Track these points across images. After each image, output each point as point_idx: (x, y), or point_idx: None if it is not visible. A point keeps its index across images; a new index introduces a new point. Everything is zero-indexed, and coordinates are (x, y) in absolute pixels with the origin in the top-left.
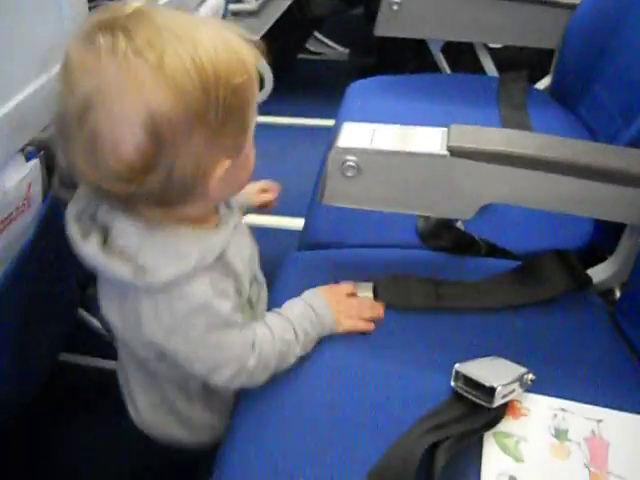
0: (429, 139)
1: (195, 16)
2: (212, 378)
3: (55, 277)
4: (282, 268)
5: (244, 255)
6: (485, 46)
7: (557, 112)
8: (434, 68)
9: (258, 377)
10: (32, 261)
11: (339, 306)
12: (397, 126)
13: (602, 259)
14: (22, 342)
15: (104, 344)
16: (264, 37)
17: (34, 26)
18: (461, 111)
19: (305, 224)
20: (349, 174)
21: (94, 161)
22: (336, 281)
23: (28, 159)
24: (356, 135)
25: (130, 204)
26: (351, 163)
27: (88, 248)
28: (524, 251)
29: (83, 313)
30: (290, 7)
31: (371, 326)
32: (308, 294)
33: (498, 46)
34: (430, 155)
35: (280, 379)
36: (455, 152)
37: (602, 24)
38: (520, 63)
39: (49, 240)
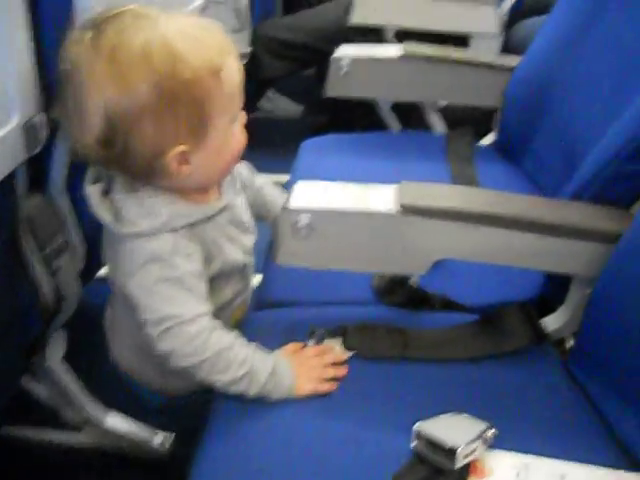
0: (381, 197)
1: (179, 13)
2: (154, 331)
3: None
4: (240, 330)
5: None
6: (433, 105)
7: (503, 167)
8: (385, 126)
9: (187, 354)
10: None
11: (301, 369)
12: (349, 184)
13: (552, 309)
14: None
15: (49, 414)
16: None
17: None
18: (412, 167)
19: (261, 282)
20: (302, 234)
21: (75, 124)
22: (296, 341)
23: None
24: (308, 194)
25: (107, 168)
26: (304, 223)
27: (91, 190)
28: (478, 304)
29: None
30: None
31: (333, 387)
32: (274, 354)
33: (444, 104)
34: (382, 214)
35: (238, 444)
36: (407, 210)
37: (538, 84)
38: (466, 120)
39: None
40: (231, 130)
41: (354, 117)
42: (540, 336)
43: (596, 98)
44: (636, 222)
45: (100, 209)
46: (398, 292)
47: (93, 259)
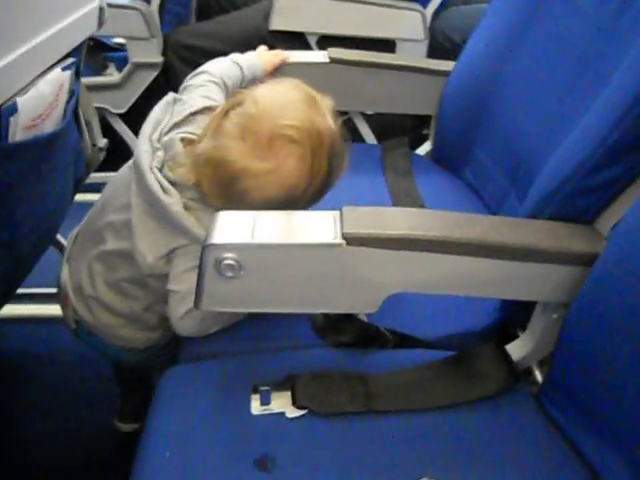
0: (320, 226)
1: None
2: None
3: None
4: (158, 389)
5: None
6: (362, 114)
7: (442, 177)
8: None
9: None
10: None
11: None
12: (281, 213)
13: (513, 335)
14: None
15: None
16: (130, 110)
17: None
18: (347, 181)
19: None
20: (228, 274)
21: None
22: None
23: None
24: (234, 227)
25: None
26: (230, 261)
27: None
28: (434, 337)
29: None
30: (156, 78)
31: None
32: None
33: (371, 113)
34: (323, 245)
35: None
36: (352, 240)
37: (475, 89)
38: (396, 129)
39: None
40: None
41: None
42: (516, 377)
43: (541, 102)
44: (613, 242)
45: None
46: (345, 330)
47: None
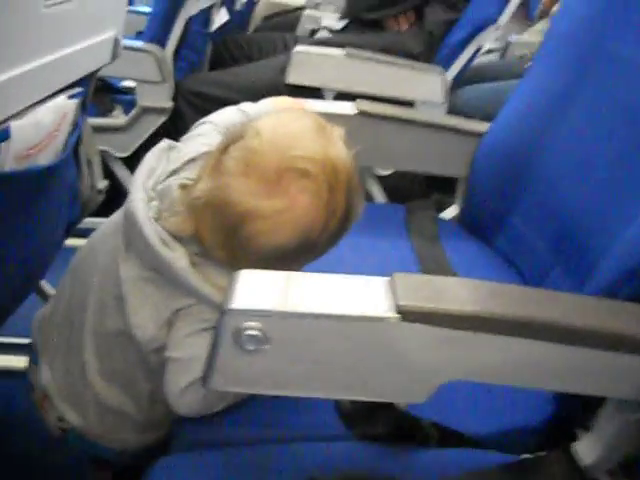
0: (367, 295)
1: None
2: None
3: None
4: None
5: None
6: (373, 174)
7: (472, 244)
8: None
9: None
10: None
11: None
12: (319, 275)
13: (567, 433)
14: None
15: None
16: (134, 154)
17: None
18: (371, 245)
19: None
20: (250, 347)
21: None
22: None
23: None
24: (260, 289)
25: None
26: (254, 332)
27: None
28: (481, 433)
29: None
30: (164, 123)
31: None
32: None
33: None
34: (374, 319)
35: None
36: (408, 314)
37: (512, 152)
38: (400, 192)
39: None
40: None
41: None
42: None
43: (592, 169)
44: None
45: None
46: (378, 420)
47: None
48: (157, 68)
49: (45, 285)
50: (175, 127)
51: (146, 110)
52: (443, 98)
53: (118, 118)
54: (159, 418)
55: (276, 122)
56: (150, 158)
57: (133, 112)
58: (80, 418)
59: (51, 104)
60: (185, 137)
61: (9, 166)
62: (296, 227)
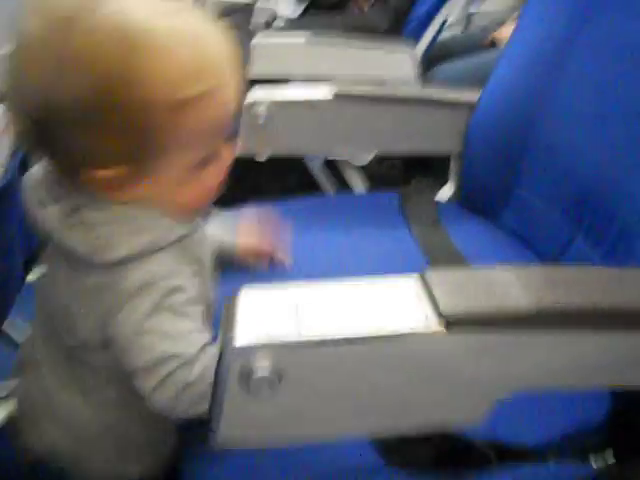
0: (397, 303)
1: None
2: (148, 380)
3: None
4: None
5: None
6: (349, 163)
7: (476, 224)
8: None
9: (194, 399)
10: None
11: None
12: (332, 285)
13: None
14: None
15: None
16: None
17: None
18: (365, 238)
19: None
20: (262, 393)
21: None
22: None
23: None
24: (267, 316)
25: (36, 151)
26: (264, 372)
27: (50, 211)
28: (538, 445)
29: None
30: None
31: None
32: None
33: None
34: (412, 336)
35: None
36: (455, 323)
37: (511, 119)
38: (378, 177)
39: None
40: (200, 168)
41: (260, 183)
42: None
43: (610, 122)
44: None
45: (66, 234)
46: (420, 443)
47: None
48: None
49: (8, 329)
50: None
51: None
52: (414, 74)
53: None
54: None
55: None
56: None
57: None
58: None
59: None
60: None
61: None
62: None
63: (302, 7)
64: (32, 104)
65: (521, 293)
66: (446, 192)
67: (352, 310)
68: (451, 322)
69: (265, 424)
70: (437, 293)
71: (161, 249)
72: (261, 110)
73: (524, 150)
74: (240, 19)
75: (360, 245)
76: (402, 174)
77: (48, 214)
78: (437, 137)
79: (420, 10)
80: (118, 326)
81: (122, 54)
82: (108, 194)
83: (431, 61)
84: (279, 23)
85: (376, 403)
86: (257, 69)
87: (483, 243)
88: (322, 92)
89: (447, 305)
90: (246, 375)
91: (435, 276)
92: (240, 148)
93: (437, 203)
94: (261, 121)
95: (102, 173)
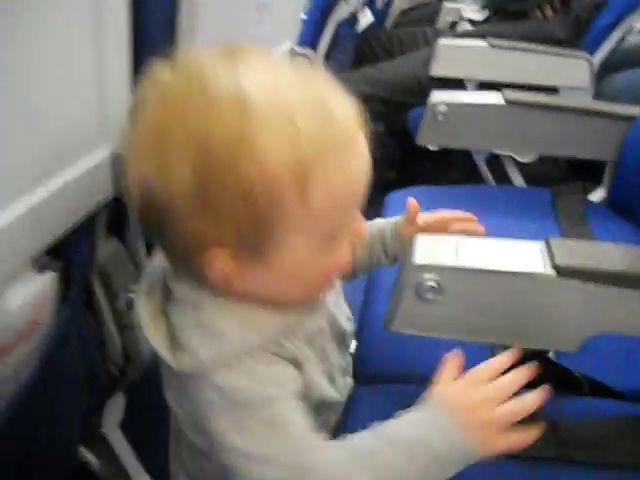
0: (526, 256)
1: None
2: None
3: (60, 411)
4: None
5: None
6: (513, 160)
7: (620, 226)
8: (458, 182)
9: None
10: (31, 400)
11: (473, 416)
12: (484, 239)
13: None
14: None
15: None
16: None
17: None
18: (517, 224)
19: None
20: (428, 296)
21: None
22: None
23: (41, 272)
24: (436, 249)
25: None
26: (431, 283)
27: (143, 304)
28: (627, 388)
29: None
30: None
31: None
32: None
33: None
34: (533, 275)
35: None
36: (564, 272)
37: None
38: (541, 178)
39: (59, 371)
40: (322, 248)
41: (425, 172)
42: None
43: None
44: None
45: (152, 331)
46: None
47: None
48: None
49: None
50: None
51: None
52: (589, 83)
53: None
54: None
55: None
56: None
57: None
58: None
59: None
60: None
61: None
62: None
63: (487, 13)
64: (147, 189)
65: (618, 261)
66: (598, 195)
67: (495, 254)
68: (560, 271)
69: (426, 321)
70: (555, 251)
71: (248, 352)
72: (442, 109)
73: None
74: (426, 15)
75: (509, 229)
76: (564, 175)
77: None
78: (596, 145)
79: (603, 20)
80: (211, 434)
81: (239, 126)
82: (222, 284)
83: (613, 69)
84: (464, 25)
85: (502, 321)
86: (438, 68)
87: (621, 241)
88: (495, 98)
89: (560, 259)
90: (419, 284)
91: (558, 242)
92: (418, 139)
93: (586, 202)
94: (440, 118)
95: (209, 255)
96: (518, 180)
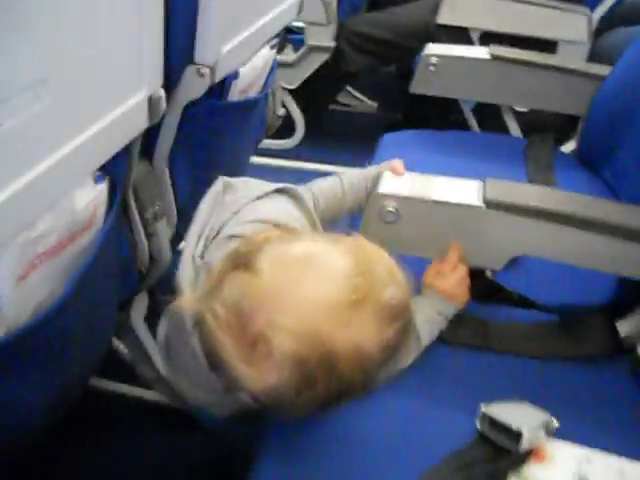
0: (466, 191)
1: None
2: None
3: (104, 299)
4: None
5: None
6: (511, 109)
7: (582, 175)
8: (457, 126)
9: None
10: (88, 284)
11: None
12: (435, 177)
13: (623, 314)
14: (61, 365)
15: (130, 371)
16: (299, 87)
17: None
18: (489, 168)
19: None
20: (388, 219)
21: None
22: None
23: (96, 182)
24: (396, 183)
25: None
26: (391, 209)
27: None
28: (552, 303)
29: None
30: (327, 61)
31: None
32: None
33: (523, 110)
34: (467, 206)
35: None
36: (491, 205)
37: (629, 96)
38: (543, 126)
39: (104, 263)
40: None
41: (428, 115)
42: (617, 347)
43: None
44: None
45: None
46: (475, 284)
47: (181, 228)
48: (324, 11)
49: None
50: (336, 64)
51: (312, 49)
52: (587, 37)
53: (288, 55)
54: None
55: (296, 264)
56: (203, 209)
57: (301, 51)
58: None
59: (260, 53)
60: (246, 179)
61: (235, 97)
62: (264, 390)
63: None
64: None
65: (542, 198)
66: (569, 147)
67: (442, 189)
68: (488, 204)
69: (388, 240)
70: (488, 189)
71: None
72: (434, 60)
73: (630, 123)
74: None
75: (481, 172)
76: (563, 124)
77: None
78: (569, 100)
79: None
80: None
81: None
82: None
83: (613, 24)
84: None
85: (445, 242)
86: (445, 17)
87: (580, 189)
88: (482, 52)
89: (490, 195)
90: (381, 208)
91: (492, 181)
92: (412, 87)
93: (556, 152)
94: (432, 69)
95: None
96: (514, 128)
